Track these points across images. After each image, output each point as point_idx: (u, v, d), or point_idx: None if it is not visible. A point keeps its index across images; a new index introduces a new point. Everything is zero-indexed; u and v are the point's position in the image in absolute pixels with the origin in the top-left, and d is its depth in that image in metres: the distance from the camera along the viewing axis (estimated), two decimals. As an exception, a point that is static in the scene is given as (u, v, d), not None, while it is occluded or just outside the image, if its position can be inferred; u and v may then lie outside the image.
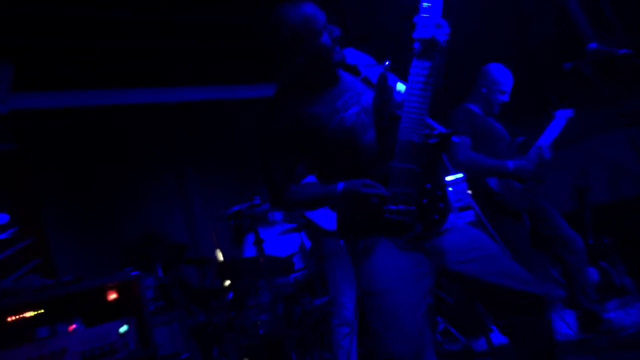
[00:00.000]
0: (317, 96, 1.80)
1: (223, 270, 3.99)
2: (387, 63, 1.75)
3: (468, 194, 4.20)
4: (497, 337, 3.22)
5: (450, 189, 4.21)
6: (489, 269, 1.74)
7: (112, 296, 2.57)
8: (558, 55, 3.07)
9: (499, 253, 1.80)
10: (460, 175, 4.14)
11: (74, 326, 2.41)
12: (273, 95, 1.86)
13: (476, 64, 3.43)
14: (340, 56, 1.79)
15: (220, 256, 4.47)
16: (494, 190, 3.12)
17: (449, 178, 3.93)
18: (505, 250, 1.86)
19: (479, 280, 1.74)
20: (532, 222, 3.23)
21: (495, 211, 3.13)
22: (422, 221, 1.72)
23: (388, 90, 1.72)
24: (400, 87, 1.83)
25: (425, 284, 1.74)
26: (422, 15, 1.67)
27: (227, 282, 3.97)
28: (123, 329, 2.48)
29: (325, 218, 2.81)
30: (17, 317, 2.34)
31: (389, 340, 1.66)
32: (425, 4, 1.67)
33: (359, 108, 1.80)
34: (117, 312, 2.53)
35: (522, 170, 3.11)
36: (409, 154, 1.70)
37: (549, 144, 3.25)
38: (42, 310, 2.39)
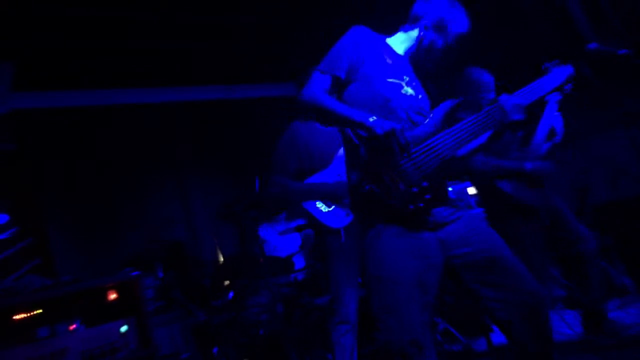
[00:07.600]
0: (396, 52, 2.07)
1: (223, 270, 3.99)
2: (458, 101, 1.98)
3: (468, 194, 4.19)
4: (497, 337, 3.21)
5: (450, 189, 4.21)
6: (484, 271, 1.76)
7: (112, 296, 2.57)
8: (558, 55, 3.06)
9: (500, 251, 1.81)
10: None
11: (74, 326, 2.41)
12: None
13: (476, 65, 3.42)
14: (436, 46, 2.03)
15: (220, 256, 4.46)
16: (507, 193, 3.11)
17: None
18: (510, 249, 1.86)
19: (469, 284, 1.79)
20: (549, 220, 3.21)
21: (506, 212, 3.13)
22: (410, 204, 1.74)
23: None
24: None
25: (432, 276, 1.77)
26: None
27: (227, 282, 3.96)
28: (123, 328, 2.49)
29: (329, 216, 2.80)
30: (17, 317, 2.34)
31: (389, 328, 1.70)
32: None
33: (416, 91, 1.99)
34: (117, 312, 2.53)
35: (539, 170, 3.11)
36: (430, 156, 1.79)
37: (545, 134, 3.22)
38: (42, 310, 2.39)
